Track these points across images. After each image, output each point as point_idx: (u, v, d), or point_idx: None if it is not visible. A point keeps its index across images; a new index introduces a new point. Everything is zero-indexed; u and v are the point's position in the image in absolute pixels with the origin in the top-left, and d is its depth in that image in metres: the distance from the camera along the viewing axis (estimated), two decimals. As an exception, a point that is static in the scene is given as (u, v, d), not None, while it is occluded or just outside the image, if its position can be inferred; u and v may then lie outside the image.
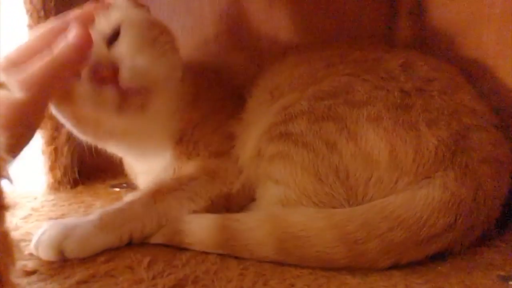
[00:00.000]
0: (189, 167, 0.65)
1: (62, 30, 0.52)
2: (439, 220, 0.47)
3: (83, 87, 0.55)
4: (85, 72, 0.55)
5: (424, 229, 0.47)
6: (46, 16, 0.74)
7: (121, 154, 0.74)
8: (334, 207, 0.52)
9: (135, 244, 0.56)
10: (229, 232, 0.52)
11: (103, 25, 0.58)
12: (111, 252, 0.54)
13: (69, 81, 0.55)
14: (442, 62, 0.64)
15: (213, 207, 0.60)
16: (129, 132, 0.64)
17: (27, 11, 0.75)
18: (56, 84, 0.51)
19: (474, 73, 0.64)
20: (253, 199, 0.63)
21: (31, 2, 0.74)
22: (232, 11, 0.95)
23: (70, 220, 0.54)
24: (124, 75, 0.54)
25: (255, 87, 0.69)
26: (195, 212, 0.58)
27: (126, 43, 0.57)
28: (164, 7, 0.93)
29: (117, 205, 0.57)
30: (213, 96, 0.67)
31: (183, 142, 0.67)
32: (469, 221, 0.48)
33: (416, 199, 0.48)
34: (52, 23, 0.55)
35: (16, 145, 0.47)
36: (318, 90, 0.58)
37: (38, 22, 0.73)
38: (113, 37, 0.57)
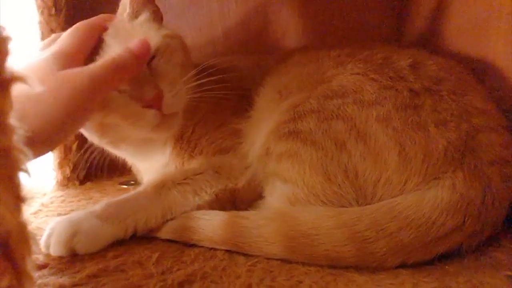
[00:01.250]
0: (194, 163, 0.65)
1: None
2: (447, 221, 0.47)
3: (125, 103, 0.57)
4: (129, 90, 0.57)
5: (433, 230, 0.47)
6: (57, 14, 0.75)
7: (125, 156, 0.74)
8: (342, 206, 0.52)
9: (143, 239, 0.57)
10: (237, 229, 0.52)
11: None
12: (120, 247, 0.55)
13: (117, 86, 0.57)
14: (451, 61, 0.63)
15: (218, 202, 0.60)
16: (143, 139, 0.66)
17: (38, 7, 0.75)
18: (111, 84, 0.53)
19: (482, 74, 0.64)
20: (259, 196, 0.63)
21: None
22: (240, 12, 0.95)
23: (75, 216, 0.54)
24: (168, 102, 0.58)
25: (263, 86, 0.69)
26: (199, 206, 0.59)
27: (165, 69, 0.60)
28: (174, 7, 0.94)
29: (122, 197, 0.58)
30: (216, 95, 0.67)
31: (184, 139, 0.68)
32: (478, 222, 0.48)
33: (425, 200, 0.48)
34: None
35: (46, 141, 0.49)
36: (327, 89, 0.58)
37: (49, 20, 0.74)
38: (151, 58, 0.60)
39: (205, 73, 0.64)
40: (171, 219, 0.58)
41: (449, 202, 0.48)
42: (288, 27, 0.95)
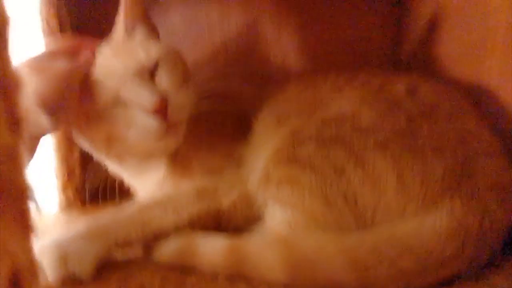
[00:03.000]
0: (181, 185, 0.66)
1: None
2: (446, 247, 0.47)
3: (131, 112, 0.60)
4: (134, 99, 0.60)
5: (432, 256, 0.47)
6: (60, 25, 0.77)
7: (125, 173, 0.75)
8: (342, 231, 0.52)
9: (145, 263, 0.57)
10: (239, 254, 0.53)
11: (142, 56, 0.63)
12: (122, 271, 0.55)
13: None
14: (446, 86, 0.64)
15: (199, 222, 0.61)
16: (146, 153, 0.67)
17: (44, 33, 0.77)
18: None
19: (477, 98, 0.65)
20: (249, 220, 0.64)
21: (48, 25, 0.76)
22: (242, 35, 0.97)
23: (60, 240, 0.54)
24: (174, 109, 0.60)
25: (261, 111, 0.70)
26: (179, 224, 0.59)
27: (168, 78, 0.63)
28: (176, 30, 0.96)
29: (104, 215, 0.59)
30: (214, 117, 0.69)
31: (177, 159, 0.69)
32: (477, 248, 0.49)
33: (424, 227, 0.49)
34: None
35: None
36: (325, 115, 0.59)
37: (53, 30, 0.76)
38: (153, 70, 0.63)
39: (206, 94, 0.66)
40: (154, 234, 0.58)
41: (447, 228, 0.48)
42: (288, 51, 0.97)
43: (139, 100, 0.59)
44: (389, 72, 0.69)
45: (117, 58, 0.63)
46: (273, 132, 0.65)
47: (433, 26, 0.85)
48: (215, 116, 0.70)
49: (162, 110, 0.58)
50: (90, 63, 0.63)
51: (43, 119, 0.54)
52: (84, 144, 0.69)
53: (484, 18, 0.66)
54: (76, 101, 0.61)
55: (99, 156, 0.70)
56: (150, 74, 0.63)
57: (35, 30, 0.77)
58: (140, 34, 0.68)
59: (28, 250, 0.31)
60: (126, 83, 0.61)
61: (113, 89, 0.61)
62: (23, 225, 0.31)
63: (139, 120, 0.59)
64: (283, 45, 0.97)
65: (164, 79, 0.63)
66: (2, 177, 0.29)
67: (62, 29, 0.78)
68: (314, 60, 0.97)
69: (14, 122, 0.30)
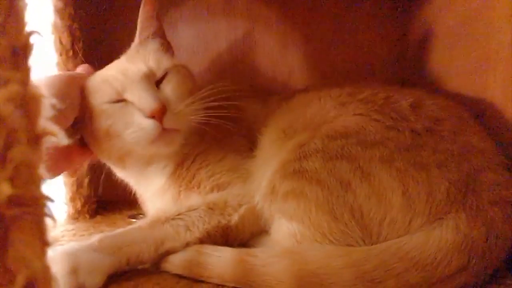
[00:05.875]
0: (190, 199, 0.67)
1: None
2: (452, 261, 0.48)
3: (130, 112, 0.64)
4: (137, 101, 0.64)
5: (438, 270, 0.47)
6: (75, 55, 0.79)
7: (130, 179, 0.77)
8: (349, 245, 0.53)
9: (153, 274, 0.58)
10: (247, 267, 0.53)
11: (151, 64, 0.68)
12: (130, 282, 0.55)
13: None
14: (450, 102, 0.65)
15: (209, 239, 0.61)
16: (146, 158, 0.70)
17: (57, 50, 0.80)
18: None
19: (481, 115, 0.66)
20: (253, 234, 0.65)
21: (61, 42, 0.79)
22: (248, 50, 0.99)
23: (71, 249, 0.55)
24: (170, 117, 0.63)
25: (267, 126, 0.71)
26: (190, 242, 0.59)
27: (172, 89, 0.67)
28: (184, 42, 0.99)
29: (118, 230, 0.60)
30: (221, 131, 0.70)
31: (183, 167, 0.70)
32: (482, 262, 0.49)
33: (430, 241, 0.49)
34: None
35: None
36: (330, 129, 0.60)
37: (67, 61, 0.78)
38: (161, 80, 0.68)
39: (212, 98, 0.68)
40: (166, 253, 0.59)
41: (453, 242, 0.49)
42: (294, 68, 0.99)
43: (140, 102, 0.63)
44: (393, 87, 0.70)
45: (129, 63, 0.68)
46: (279, 146, 0.65)
47: (436, 42, 0.86)
48: (221, 131, 0.71)
49: (159, 115, 0.62)
50: (87, 72, 0.69)
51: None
52: (88, 142, 0.71)
53: (487, 34, 0.67)
54: (78, 100, 0.65)
55: (103, 157, 0.72)
56: (156, 82, 0.68)
57: (47, 47, 0.80)
58: (153, 45, 0.73)
59: (43, 259, 0.32)
60: (133, 85, 0.65)
61: (119, 88, 0.66)
62: (39, 235, 0.32)
63: (136, 120, 0.63)
64: (288, 60, 0.99)
65: (168, 89, 0.67)
66: (21, 189, 0.30)
67: (74, 45, 0.81)
68: (318, 74, 0.99)
69: (34, 136, 0.31)
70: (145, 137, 0.63)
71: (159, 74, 0.68)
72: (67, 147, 0.67)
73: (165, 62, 0.69)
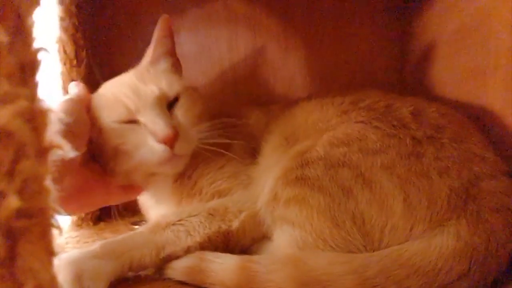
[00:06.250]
0: (191, 204, 0.68)
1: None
2: (453, 268, 0.48)
3: (142, 135, 0.65)
4: (149, 124, 0.64)
5: (439, 277, 0.48)
6: (78, 65, 0.80)
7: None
8: (350, 251, 0.53)
9: (156, 281, 0.59)
10: (249, 273, 0.53)
11: (164, 86, 0.68)
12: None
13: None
14: (450, 109, 0.65)
15: (210, 244, 0.62)
16: (142, 169, 0.70)
17: (61, 59, 0.81)
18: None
19: (480, 121, 0.66)
20: (255, 240, 0.65)
21: (65, 52, 0.80)
22: (250, 59, 1.00)
23: (74, 257, 0.55)
24: (181, 144, 0.64)
25: (270, 133, 0.72)
26: (191, 246, 0.60)
27: (183, 114, 0.68)
28: (186, 55, 0.99)
29: (120, 236, 0.61)
30: (222, 139, 0.71)
31: (185, 175, 0.71)
32: (483, 269, 0.49)
33: (431, 248, 0.49)
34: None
35: None
36: (332, 137, 0.61)
37: (71, 70, 0.79)
38: (172, 102, 0.68)
39: (216, 121, 0.68)
40: (167, 258, 0.59)
41: (454, 249, 0.49)
42: (295, 74, 0.99)
43: (153, 127, 0.64)
44: (394, 95, 0.70)
45: (140, 82, 0.68)
46: (281, 153, 0.66)
47: (436, 49, 0.86)
48: (225, 138, 0.72)
49: (170, 142, 0.63)
50: (83, 92, 0.68)
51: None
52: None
53: (485, 41, 0.68)
54: (88, 122, 0.65)
55: (108, 170, 0.71)
56: (168, 104, 0.68)
57: (51, 57, 0.81)
58: (164, 65, 0.73)
59: (50, 269, 0.32)
60: (146, 108, 0.65)
61: (132, 109, 0.66)
62: (46, 245, 0.32)
63: (148, 143, 0.64)
64: (290, 67, 0.99)
65: (180, 113, 0.68)
66: (29, 202, 0.30)
67: (78, 58, 0.82)
68: (319, 81, 0.99)
69: (41, 150, 0.32)
70: (155, 160, 0.65)
71: (171, 96, 0.69)
72: (86, 180, 0.66)
73: (177, 85, 0.70)
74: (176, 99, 0.69)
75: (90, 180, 0.66)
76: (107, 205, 0.75)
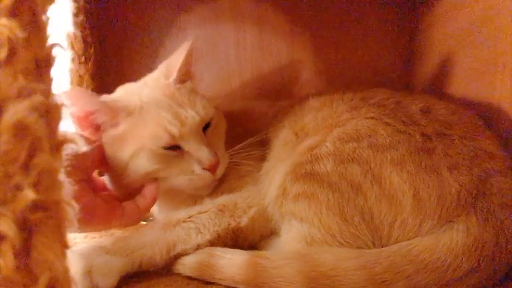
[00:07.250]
0: (201, 202, 0.68)
1: None
2: (462, 264, 0.48)
3: (187, 162, 0.66)
4: (194, 152, 0.66)
5: (448, 272, 0.48)
6: (86, 62, 0.80)
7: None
8: (359, 247, 0.53)
9: (164, 276, 0.59)
10: (258, 269, 0.54)
11: (201, 112, 0.68)
12: (141, 284, 0.56)
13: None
14: (459, 106, 0.65)
15: (219, 240, 0.62)
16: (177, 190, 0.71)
17: (69, 48, 0.81)
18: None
19: (488, 119, 0.66)
20: (263, 236, 0.66)
21: (73, 49, 0.80)
22: (256, 58, 1.00)
23: (84, 252, 0.56)
24: (222, 169, 0.69)
25: (279, 129, 0.72)
26: (201, 244, 0.60)
27: (218, 140, 0.71)
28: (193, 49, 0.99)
29: (130, 232, 0.61)
30: (231, 138, 0.72)
31: None
32: (492, 265, 0.49)
33: (440, 243, 0.49)
34: None
35: None
36: (342, 132, 0.61)
37: (79, 67, 0.80)
38: (206, 127, 0.71)
39: (246, 144, 0.72)
40: (177, 256, 0.59)
41: (463, 245, 0.49)
42: (302, 71, 0.99)
43: (199, 155, 0.67)
44: (403, 92, 0.70)
45: (175, 104, 0.67)
46: (291, 148, 0.66)
47: (444, 46, 0.86)
48: (234, 136, 0.74)
49: (214, 169, 0.67)
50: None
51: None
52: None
53: (494, 39, 0.68)
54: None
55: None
56: (203, 128, 0.69)
57: (62, 59, 0.81)
58: (190, 85, 0.73)
59: (64, 261, 0.33)
60: (190, 135, 0.66)
61: (176, 135, 0.65)
62: (60, 238, 0.33)
63: (194, 170, 0.67)
64: (296, 64, 0.99)
65: (215, 139, 0.71)
66: (44, 194, 0.31)
67: (86, 55, 0.82)
68: (326, 78, 0.99)
69: (55, 144, 0.32)
70: (198, 185, 0.68)
71: (207, 121, 0.70)
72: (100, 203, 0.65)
73: (210, 109, 0.70)
74: (209, 123, 0.71)
75: (104, 205, 0.64)
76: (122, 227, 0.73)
